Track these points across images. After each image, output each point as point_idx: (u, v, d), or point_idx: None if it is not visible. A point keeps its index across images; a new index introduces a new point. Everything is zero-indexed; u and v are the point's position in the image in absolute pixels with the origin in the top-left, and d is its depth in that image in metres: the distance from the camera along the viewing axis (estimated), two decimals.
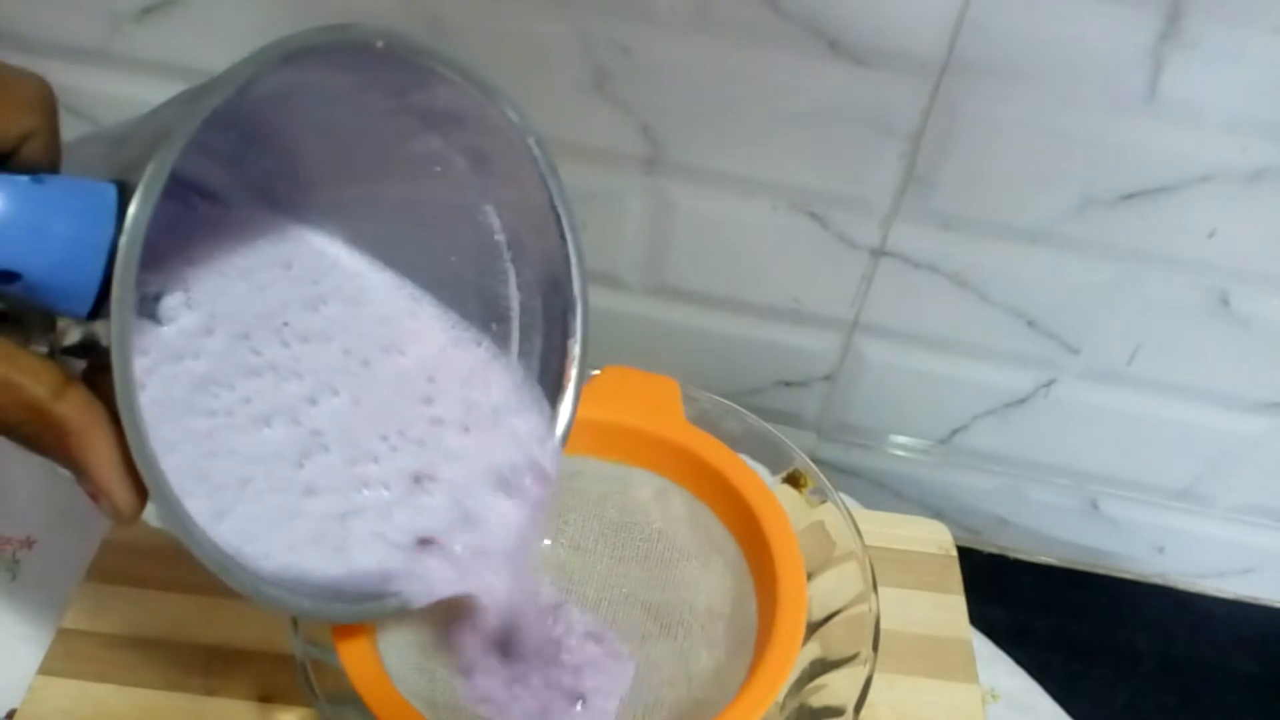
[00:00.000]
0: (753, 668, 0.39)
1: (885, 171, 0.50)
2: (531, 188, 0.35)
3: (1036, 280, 0.53)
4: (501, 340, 0.39)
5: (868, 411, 0.60)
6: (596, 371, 0.44)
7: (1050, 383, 0.57)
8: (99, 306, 0.26)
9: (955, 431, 0.60)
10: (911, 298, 0.54)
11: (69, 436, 0.27)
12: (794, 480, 0.46)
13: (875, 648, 0.40)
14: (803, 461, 0.46)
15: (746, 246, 0.54)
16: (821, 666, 0.41)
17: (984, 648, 0.53)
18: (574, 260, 0.37)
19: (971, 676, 0.49)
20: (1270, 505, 0.60)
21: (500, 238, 0.37)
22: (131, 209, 0.25)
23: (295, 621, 0.38)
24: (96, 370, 0.27)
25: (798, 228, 0.53)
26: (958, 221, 0.51)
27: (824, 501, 0.45)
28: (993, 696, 0.52)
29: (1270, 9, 0.42)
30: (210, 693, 0.45)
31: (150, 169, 0.25)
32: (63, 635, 0.47)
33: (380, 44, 0.29)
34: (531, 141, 0.34)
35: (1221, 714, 0.57)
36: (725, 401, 0.46)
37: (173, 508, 0.28)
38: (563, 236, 0.36)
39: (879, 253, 0.53)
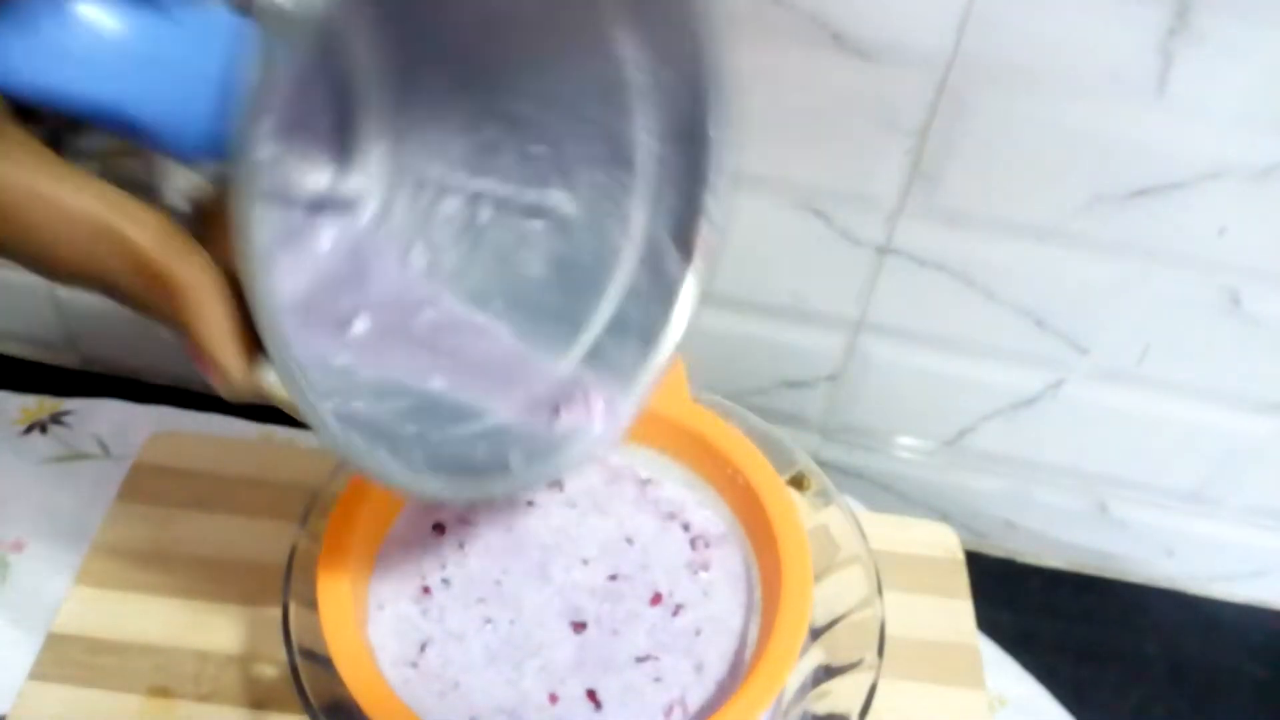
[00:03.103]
0: (754, 656, 0.39)
1: (891, 168, 0.50)
2: (685, 36, 0.34)
3: (1045, 279, 0.52)
4: (624, 194, 0.38)
5: (872, 412, 0.60)
6: None
7: (1059, 383, 0.56)
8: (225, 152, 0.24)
9: (962, 433, 0.59)
10: (917, 296, 0.54)
11: (175, 293, 0.25)
12: (798, 482, 0.45)
13: (880, 653, 0.40)
14: (806, 463, 0.46)
15: (749, 244, 0.54)
16: (825, 673, 0.41)
17: (991, 653, 0.53)
18: (722, 101, 0.36)
19: (978, 682, 0.49)
20: None
21: (636, 75, 0.35)
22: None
23: (288, 629, 0.38)
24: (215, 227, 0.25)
25: (801, 225, 0.52)
26: (964, 219, 0.51)
27: (828, 504, 0.45)
28: (1000, 702, 0.52)
29: None
30: (202, 699, 0.45)
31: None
32: (53, 640, 0.46)
33: None
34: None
35: (1231, 719, 0.56)
36: (727, 402, 0.46)
37: (292, 373, 0.26)
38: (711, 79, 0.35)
39: (884, 250, 0.53)
